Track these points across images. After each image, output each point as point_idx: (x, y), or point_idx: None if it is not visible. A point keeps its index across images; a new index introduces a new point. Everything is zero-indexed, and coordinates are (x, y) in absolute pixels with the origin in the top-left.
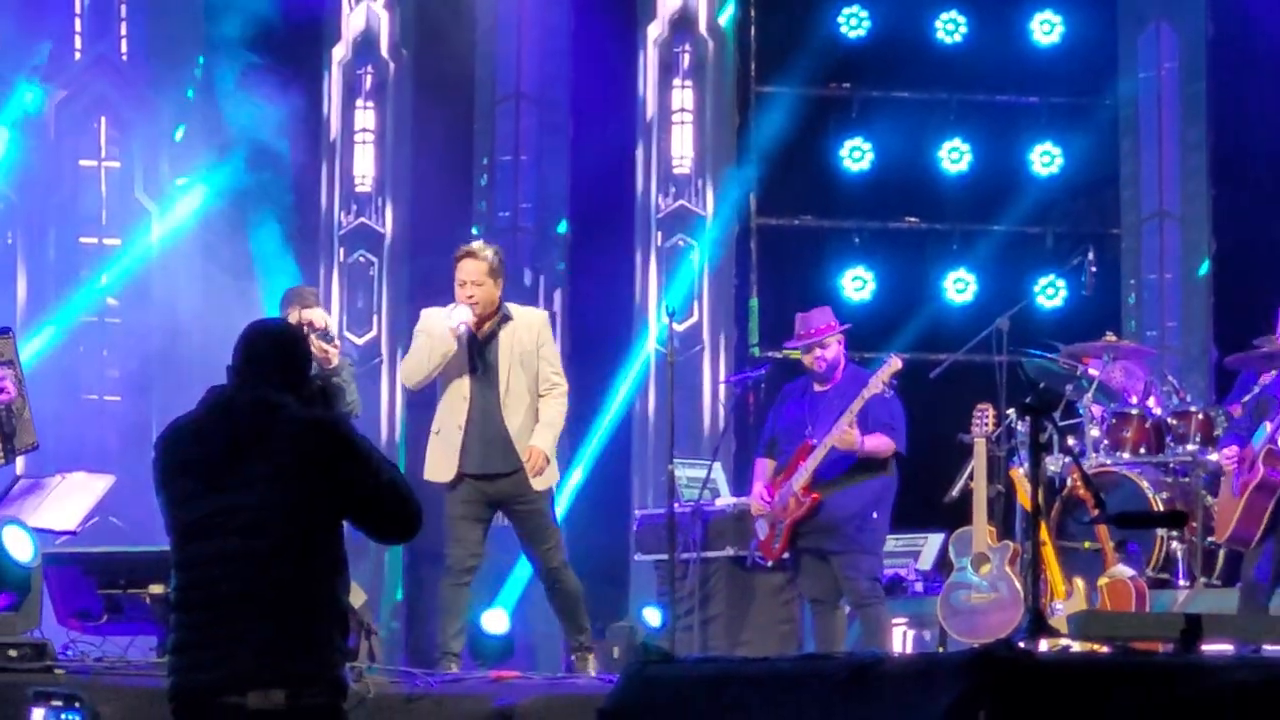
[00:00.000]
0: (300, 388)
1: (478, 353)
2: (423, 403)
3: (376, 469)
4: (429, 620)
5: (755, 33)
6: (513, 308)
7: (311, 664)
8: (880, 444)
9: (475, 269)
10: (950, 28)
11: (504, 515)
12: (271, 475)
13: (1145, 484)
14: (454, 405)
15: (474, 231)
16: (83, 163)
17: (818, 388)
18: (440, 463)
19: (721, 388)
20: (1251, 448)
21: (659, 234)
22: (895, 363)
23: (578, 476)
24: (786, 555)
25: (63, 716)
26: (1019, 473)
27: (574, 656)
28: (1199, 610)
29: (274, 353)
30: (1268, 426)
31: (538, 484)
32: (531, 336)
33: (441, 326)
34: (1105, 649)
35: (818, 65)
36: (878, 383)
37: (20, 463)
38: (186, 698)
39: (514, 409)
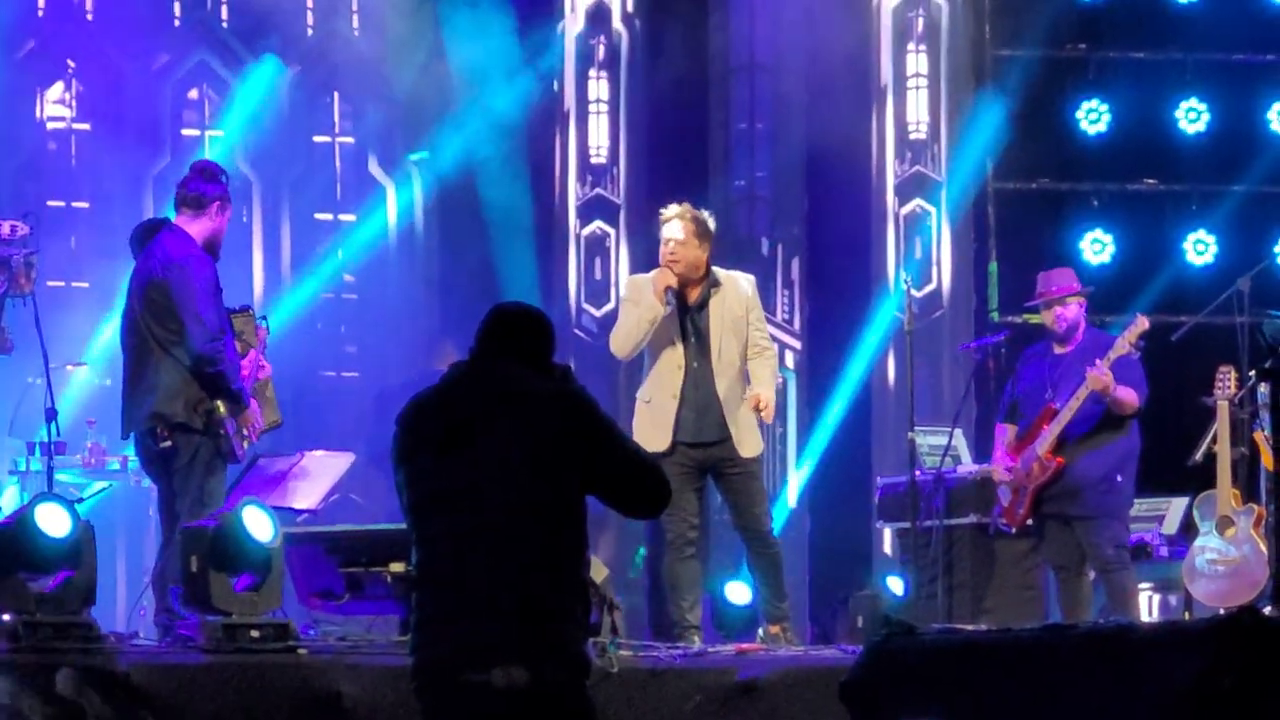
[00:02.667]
0: (544, 366)
1: (689, 320)
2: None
3: (622, 442)
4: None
5: None
6: (720, 273)
7: (554, 640)
8: (1129, 396)
9: (678, 228)
10: None
11: (713, 481)
12: (515, 448)
13: None
14: (667, 374)
15: (717, 201)
16: (316, 138)
17: (1058, 350)
18: (652, 432)
19: (961, 354)
20: None
21: (896, 200)
22: (1143, 323)
23: (818, 445)
24: (1030, 521)
25: None
26: (1262, 435)
27: (775, 627)
28: None
29: (519, 331)
30: None
31: (747, 450)
32: (741, 302)
33: (649, 294)
34: None
35: (1053, 27)
36: (1125, 343)
37: (261, 441)
38: (429, 675)
39: (725, 376)
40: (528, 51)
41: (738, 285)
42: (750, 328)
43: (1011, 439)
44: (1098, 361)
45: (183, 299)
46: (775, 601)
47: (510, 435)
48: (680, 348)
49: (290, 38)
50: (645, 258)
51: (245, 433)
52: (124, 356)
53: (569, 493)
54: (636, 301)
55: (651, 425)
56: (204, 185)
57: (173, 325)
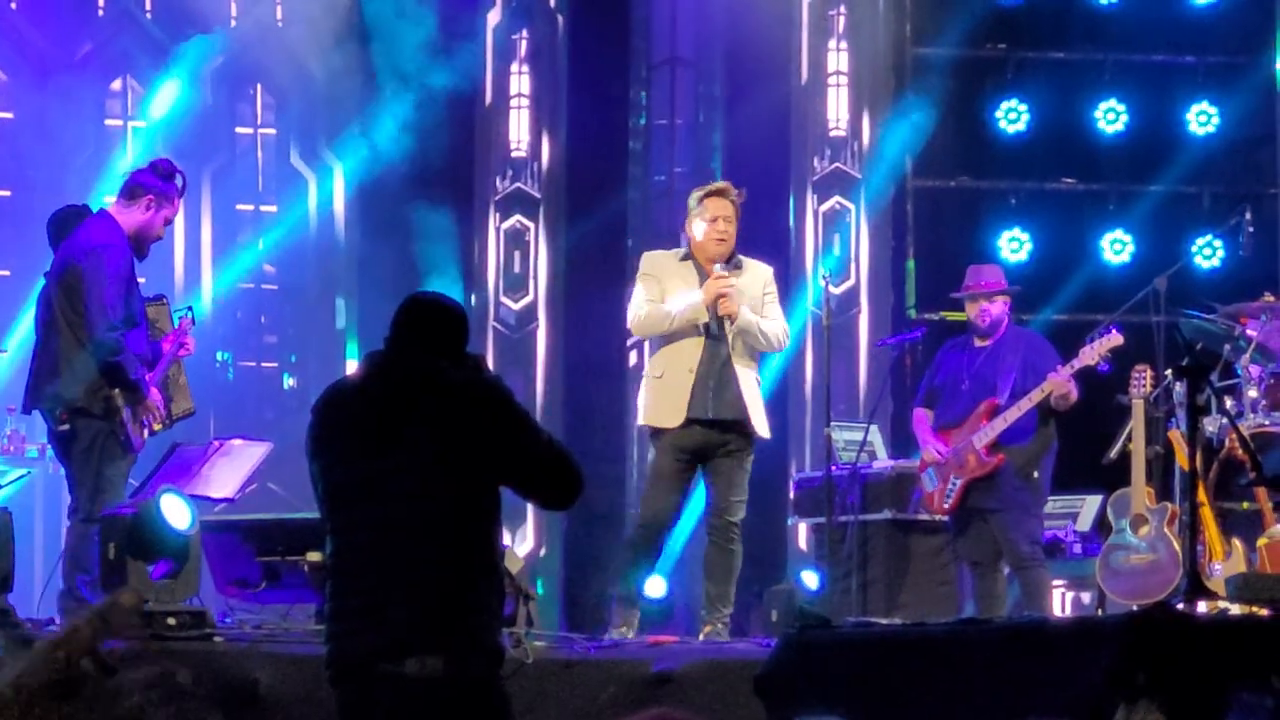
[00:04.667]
0: (458, 357)
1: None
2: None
3: (535, 433)
4: (587, 584)
5: None
6: (742, 257)
7: (469, 630)
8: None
9: (727, 207)
10: None
11: (702, 466)
12: (430, 438)
13: None
14: (684, 349)
15: (636, 196)
16: (239, 130)
17: (978, 343)
18: (665, 407)
19: (878, 350)
20: None
21: (815, 197)
22: (1116, 338)
23: None
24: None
25: None
26: (1177, 434)
27: (714, 625)
28: None
29: (434, 321)
30: None
31: (760, 429)
32: (759, 285)
33: (692, 296)
34: (1264, 611)
35: (973, 26)
36: (1095, 354)
37: (179, 430)
38: (344, 665)
39: (742, 356)
40: (451, 44)
41: (757, 268)
42: (765, 306)
43: (930, 424)
44: (1060, 368)
45: (91, 285)
46: (723, 602)
47: (425, 426)
48: (700, 324)
49: (214, 27)
50: (565, 251)
51: (144, 422)
52: (36, 334)
53: (484, 483)
54: (659, 279)
55: (665, 400)
56: (146, 178)
57: (82, 309)
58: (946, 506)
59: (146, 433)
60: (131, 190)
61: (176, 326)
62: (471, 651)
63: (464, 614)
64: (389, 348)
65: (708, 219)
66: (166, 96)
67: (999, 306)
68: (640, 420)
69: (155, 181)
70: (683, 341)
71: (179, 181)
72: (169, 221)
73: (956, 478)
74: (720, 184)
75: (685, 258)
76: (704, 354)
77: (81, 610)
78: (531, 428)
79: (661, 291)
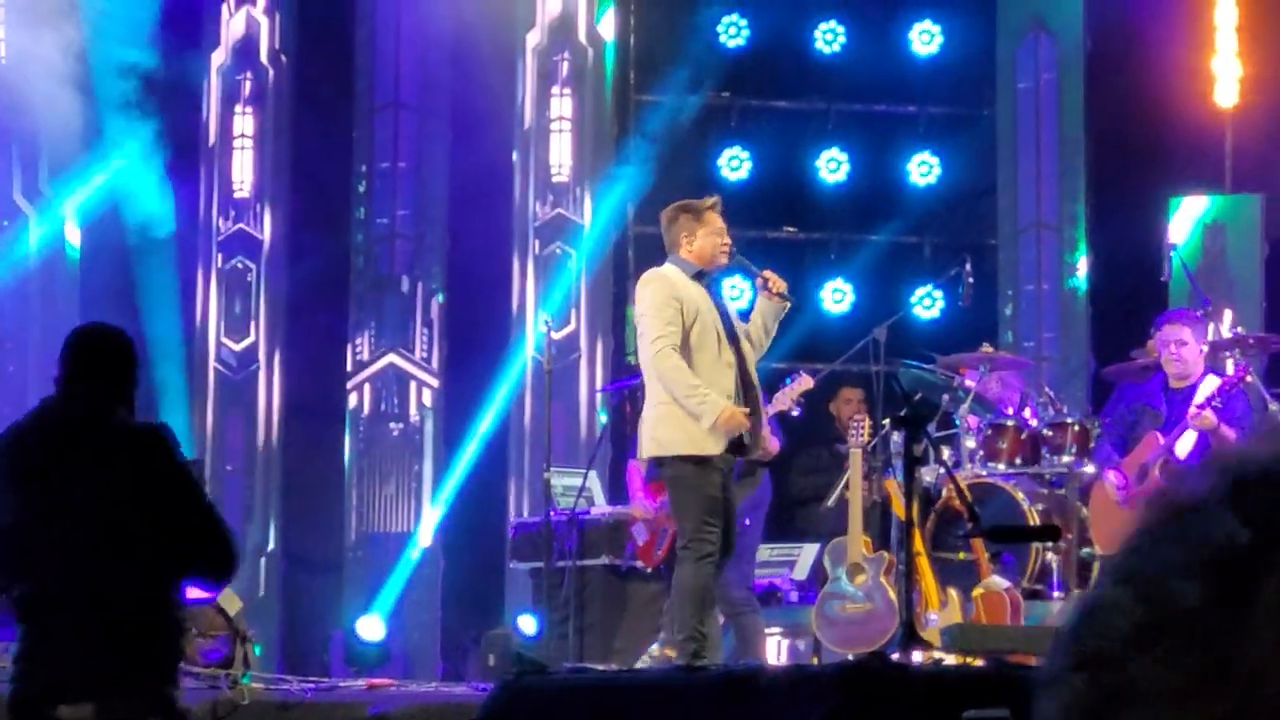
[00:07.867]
0: (128, 396)
1: (725, 316)
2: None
3: (198, 491)
4: (304, 626)
5: (634, 41)
6: None
7: (130, 676)
8: (775, 448)
9: (720, 219)
10: (829, 37)
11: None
12: (99, 483)
13: (1020, 495)
14: (717, 372)
15: (359, 238)
16: None
17: None
18: (700, 434)
19: (598, 396)
20: (1138, 459)
21: (536, 242)
22: (806, 382)
23: (453, 484)
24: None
25: None
26: (894, 483)
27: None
28: None
29: (102, 360)
30: (1160, 438)
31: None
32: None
33: (724, 410)
34: (979, 661)
35: (697, 74)
36: (786, 398)
37: None
38: (20, 709)
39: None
40: (175, 83)
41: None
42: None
43: (642, 476)
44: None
45: None
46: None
47: (95, 469)
48: (726, 343)
49: None
50: (287, 293)
51: None
52: None
53: (156, 528)
54: (680, 302)
55: (700, 427)
56: None
57: None
58: (658, 558)
59: None
60: None
61: None
62: (130, 697)
63: (125, 659)
64: (58, 387)
65: (716, 230)
66: None
67: None
68: (678, 450)
69: None
70: (718, 367)
71: None
72: None
73: (666, 529)
74: (711, 198)
75: (697, 275)
76: (737, 380)
77: None
78: (193, 485)
79: (681, 317)
